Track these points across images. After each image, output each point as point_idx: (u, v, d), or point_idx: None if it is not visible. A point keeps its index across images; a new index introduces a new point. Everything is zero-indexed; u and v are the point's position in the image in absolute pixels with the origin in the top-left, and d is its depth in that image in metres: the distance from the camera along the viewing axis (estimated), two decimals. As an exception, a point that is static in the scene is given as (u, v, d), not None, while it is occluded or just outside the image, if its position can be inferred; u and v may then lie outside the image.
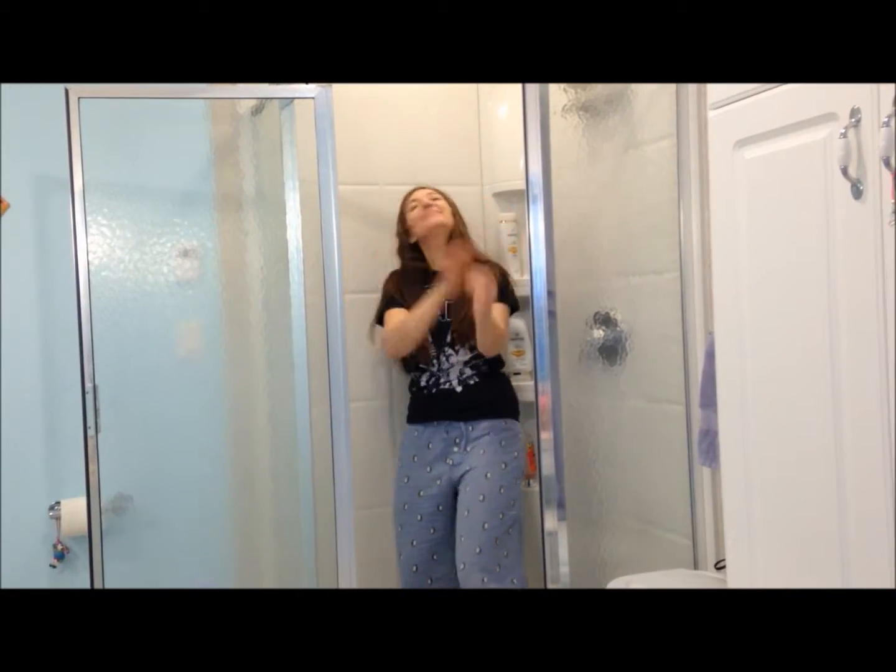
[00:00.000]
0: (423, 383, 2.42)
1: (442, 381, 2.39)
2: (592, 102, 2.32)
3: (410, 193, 2.47)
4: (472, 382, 2.39)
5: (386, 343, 2.43)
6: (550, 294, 1.89)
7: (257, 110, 2.51)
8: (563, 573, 1.90)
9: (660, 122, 2.11)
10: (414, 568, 2.37)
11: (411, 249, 2.47)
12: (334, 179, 2.07)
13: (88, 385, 1.99)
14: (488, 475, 2.31)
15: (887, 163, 1.07)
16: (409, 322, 2.35)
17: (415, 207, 2.43)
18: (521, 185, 1.87)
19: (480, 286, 2.19)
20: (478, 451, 2.35)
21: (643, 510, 2.26)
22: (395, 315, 2.40)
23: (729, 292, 1.41)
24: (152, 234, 2.44)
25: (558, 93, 2.30)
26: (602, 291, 2.32)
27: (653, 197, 2.15)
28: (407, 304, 2.39)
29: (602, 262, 2.33)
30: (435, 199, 2.43)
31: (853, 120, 1.13)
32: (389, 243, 2.59)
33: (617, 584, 1.97)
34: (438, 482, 2.37)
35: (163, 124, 2.44)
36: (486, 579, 2.23)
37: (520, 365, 2.58)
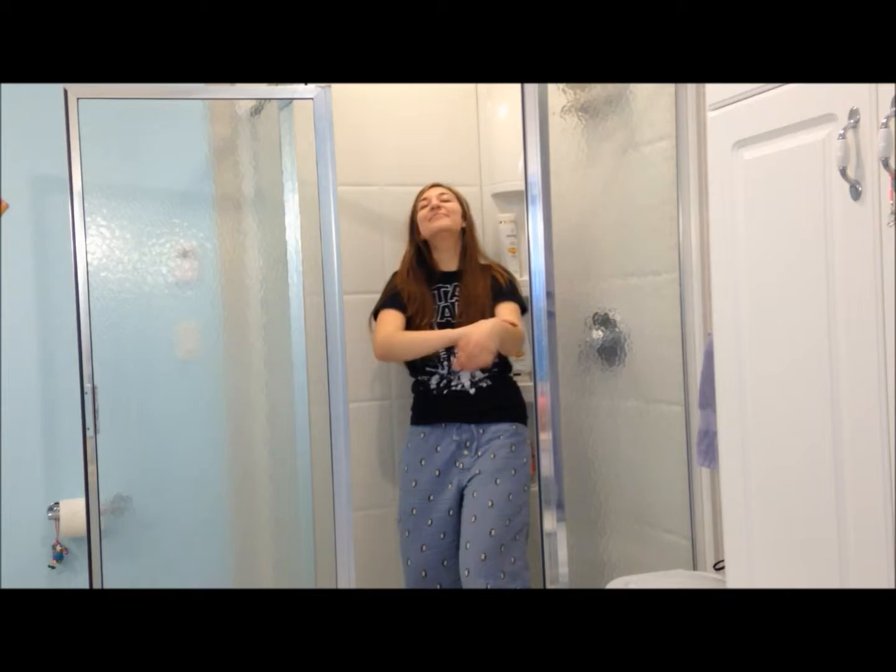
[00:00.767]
0: (432, 385, 2.38)
1: (454, 383, 2.36)
2: (591, 103, 2.32)
3: (423, 191, 2.45)
4: (484, 385, 2.36)
5: (374, 345, 2.40)
6: (549, 295, 1.89)
7: (256, 111, 2.51)
8: (562, 574, 1.90)
9: (659, 123, 2.11)
10: (423, 573, 2.34)
11: (419, 247, 2.45)
12: (333, 180, 2.07)
13: (87, 386, 1.99)
14: (497, 481, 2.28)
15: (886, 164, 1.08)
16: (399, 344, 2.35)
17: (424, 206, 2.41)
18: (520, 185, 1.87)
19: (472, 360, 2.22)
20: (488, 456, 2.31)
21: (642, 511, 2.26)
22: (388, 319, 2.36)
23: (728, 293, 1.41)
24: (151, 235, 2.44)
25: (557, 94, 2.30)
26: (601, 292, 2.32)
27: (652, 198, 2.15)
28: (407, 304, 2.37)
29: (601, 262, 2.34)
30: (445, 201, 2.40)
31: (852, 121, 1.13)
32: (389, 244, 2.60)
33: (616, 584, 1.97)
34: (450, 486, 2.33)
35: (162, 125, 2.44)
36: (489, 585, 2.21)
37: (519, 365, 2.58)
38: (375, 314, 2.43)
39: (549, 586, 1.92)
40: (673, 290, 2.09)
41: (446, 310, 2.40)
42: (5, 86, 2.22)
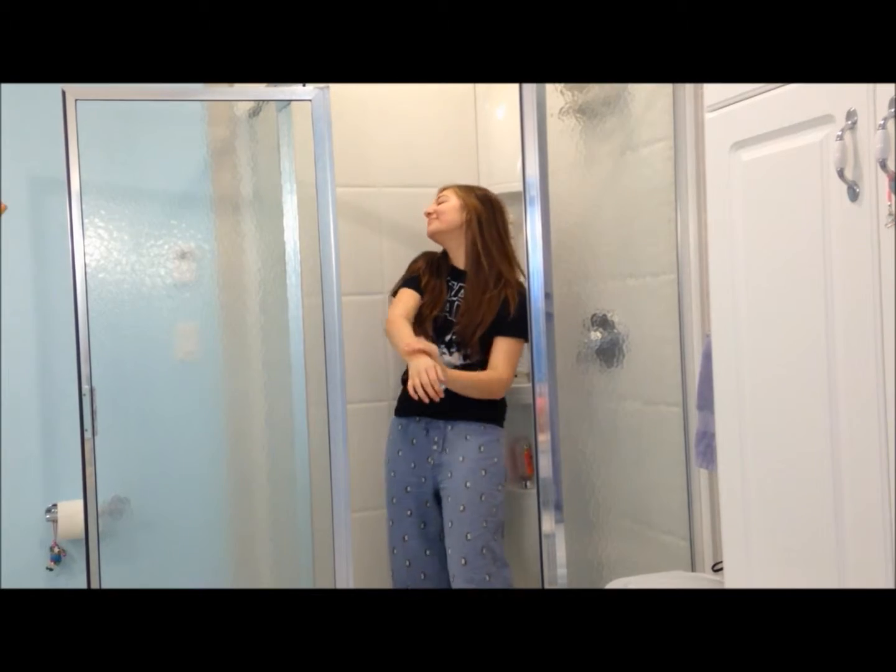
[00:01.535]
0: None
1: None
2: (589, 104, 2.32)
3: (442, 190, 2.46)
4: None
5: (386, 323, 2.42)
6: (548, 296, 1.89)
7: (255, 112, 2.51)
8: (560, 575, 1.90)
9: (657, 125, 2.11)
10: (407, 563, 2.37)
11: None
12: (332, 181, 2.07)
13: (85, 387, 1.99)
14: (468, 484, 2.28)
15: (883, 165, 1.08)
16: (389, 331, 2.37)
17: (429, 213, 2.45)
18: (518, 187, 1.87)
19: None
20: (457, 457, 2.31)
21: (641, 512, 2.26)
22: (404, 298, 2.39)
23: (726, 294, 1.41)
24: (150, 237, 2.44)
25: (555, 95, 2.30)
26: (599, 293, 2.32)
27: (650, 199, 2.15)
28: (424, 288, 2.41)
29: (599, 264, 2.34)
30: (440, 202, 2.40)
31: (849, 122, 1.13)
32: (388, 245, 2.60)
33: (614, 585, 1.97)
34: (423, 479, 2.37)
35: (160, 126, 2.44)
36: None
37: (517, 367, 2.58)
38: (394, 292, 2.45)
39: (547, 587, 1.92)
40: (671, 291, 2.10)
41: (448, 305, 2.40)
42: (5, 86, 2.22)
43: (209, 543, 2.50)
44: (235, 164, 2.53)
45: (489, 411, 2.36)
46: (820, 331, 1.21)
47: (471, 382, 2.30)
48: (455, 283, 2.42)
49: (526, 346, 2.41)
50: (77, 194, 1.98)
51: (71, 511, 2.29)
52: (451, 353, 2.37)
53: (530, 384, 1.89)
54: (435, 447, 2.35)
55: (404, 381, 2.42)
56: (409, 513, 2.36)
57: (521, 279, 2.33)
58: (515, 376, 2.54)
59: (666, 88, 2.07)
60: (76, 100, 1.96)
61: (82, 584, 2.33)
